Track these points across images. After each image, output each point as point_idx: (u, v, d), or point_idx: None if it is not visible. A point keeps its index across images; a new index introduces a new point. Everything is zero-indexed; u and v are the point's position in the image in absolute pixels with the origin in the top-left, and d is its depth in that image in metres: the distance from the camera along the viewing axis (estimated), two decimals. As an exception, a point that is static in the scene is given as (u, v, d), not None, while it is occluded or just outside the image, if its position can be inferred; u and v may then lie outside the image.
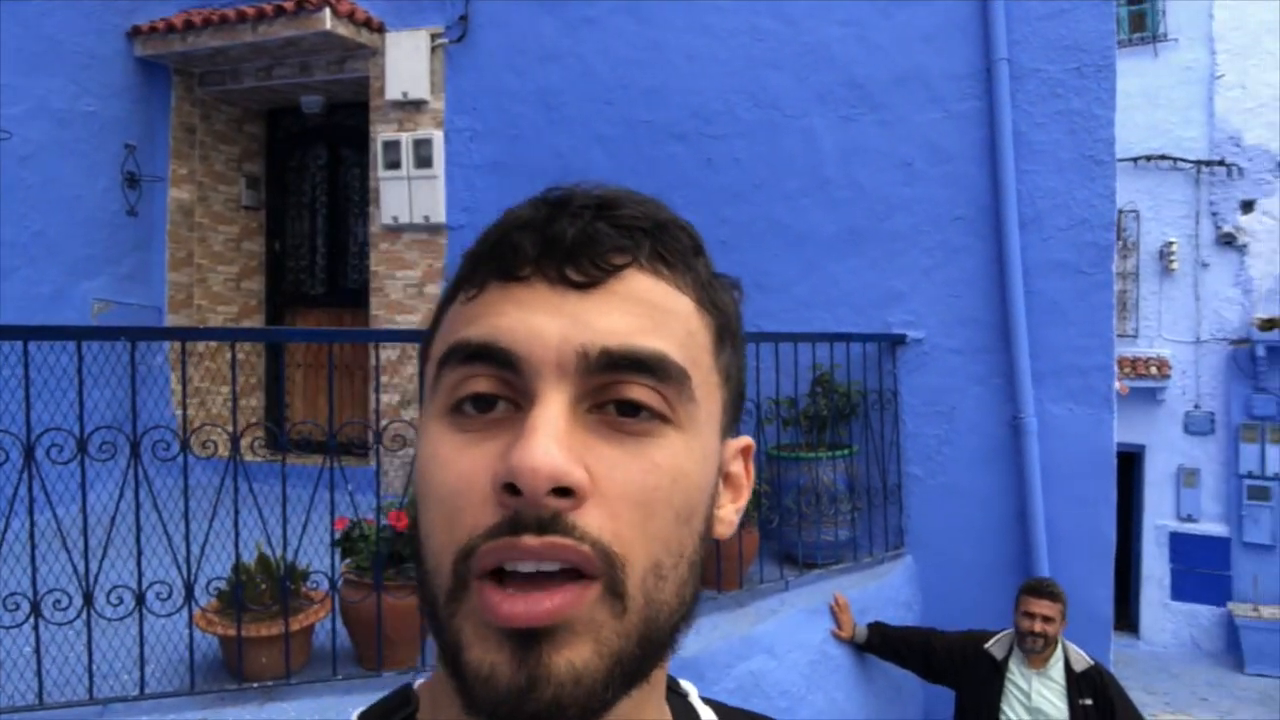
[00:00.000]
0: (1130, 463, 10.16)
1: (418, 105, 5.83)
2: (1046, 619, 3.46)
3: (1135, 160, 9.91)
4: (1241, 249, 9.96)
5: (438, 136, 5.77)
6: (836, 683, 3.87)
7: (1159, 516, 10.28)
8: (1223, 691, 8.94)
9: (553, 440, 0.45)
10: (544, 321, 0.48)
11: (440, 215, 5.76)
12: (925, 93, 4.90)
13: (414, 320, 5.84)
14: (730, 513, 0.56)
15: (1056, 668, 3.50)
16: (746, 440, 0.58)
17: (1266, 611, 9.54)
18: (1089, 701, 3.40)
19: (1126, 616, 10.23)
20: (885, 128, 4.96)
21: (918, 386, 4.84)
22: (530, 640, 0.44)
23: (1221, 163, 10.05)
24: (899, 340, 4.82)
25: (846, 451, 4.53)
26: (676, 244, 0.52)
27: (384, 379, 5.49)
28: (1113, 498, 4.66)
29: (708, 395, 0.52)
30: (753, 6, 5.19)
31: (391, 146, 5.80)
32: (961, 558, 4.74)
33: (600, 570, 0.45)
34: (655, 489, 0.47)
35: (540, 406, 0.46)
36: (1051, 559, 4.55)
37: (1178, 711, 8.15)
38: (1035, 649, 3.48)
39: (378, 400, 3.04)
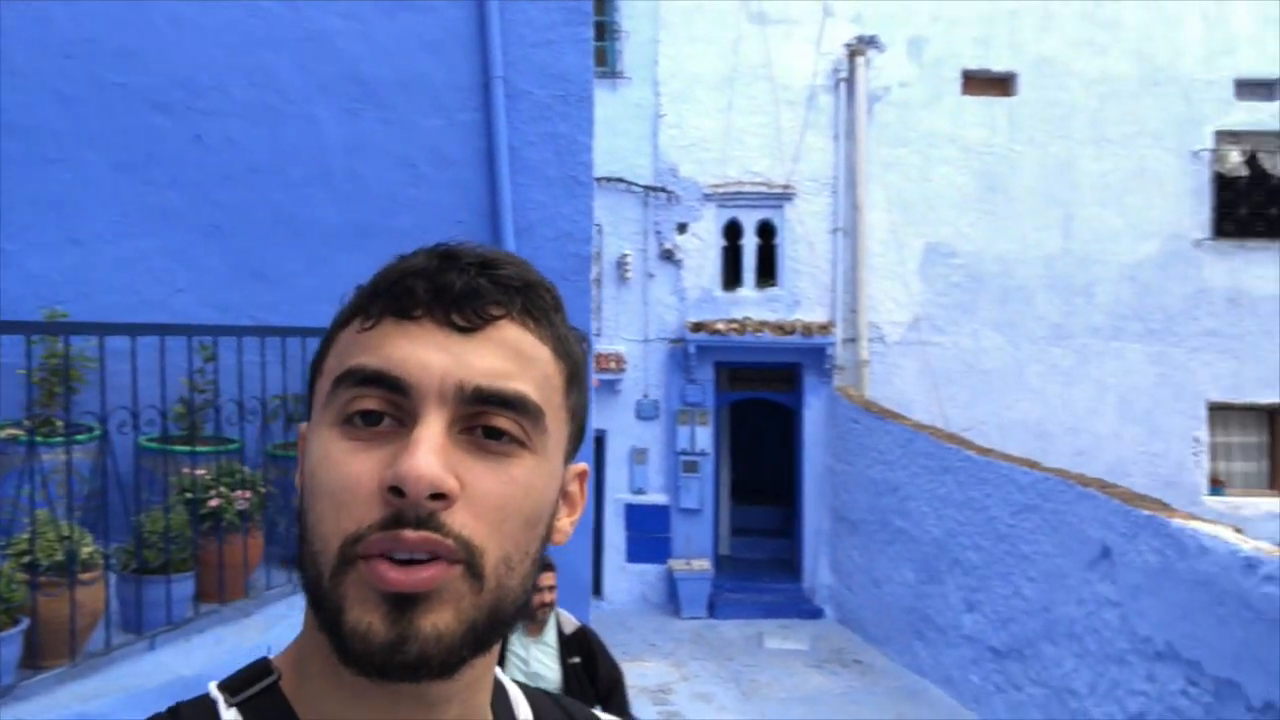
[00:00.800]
0: (598, 445, 11.53)
1: None
2: (550, 589, 3.80)
3: (599, 180, 11.22)
4: (678, 263, 11.85)
5: None
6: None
7: (617, 491, 11.81)
8: (666, 635, 10.60)
9: (433, 454, 0.54)
10: (431, 356, 0.57)
11: None
12: (429, 99, 5.07)
13: None
14: (567, 524, 0.66)
15: (550, 634, 3.81)
16: (583, 466, 0.69)
17: (696, 564, 11.51)
18: (577, 660, 3.78)
19: (595, 580, 11.59)
20: (390, 127, 5.03)
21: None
22: (404, 604, 0.54)
23: (663, 190, 11.83)
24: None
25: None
26: (542, 302, 0.62)
27: None
28: (590, 477, 5.31)
29: (557, 428, 0.62)
30: (249, -19, 4.89)
31: None
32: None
33: (462, 557, 0.55)
34: (511, 498, 0.58)
35: (423, 426, 0.56)
36: (542, 535, 5.03)
37: (634, 659, 9.46)
38: (544, 618, 3.79)
39: None
